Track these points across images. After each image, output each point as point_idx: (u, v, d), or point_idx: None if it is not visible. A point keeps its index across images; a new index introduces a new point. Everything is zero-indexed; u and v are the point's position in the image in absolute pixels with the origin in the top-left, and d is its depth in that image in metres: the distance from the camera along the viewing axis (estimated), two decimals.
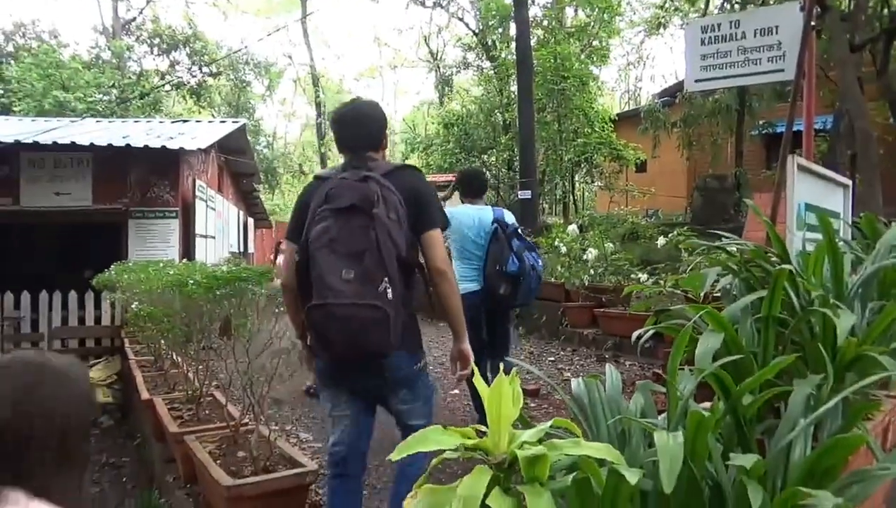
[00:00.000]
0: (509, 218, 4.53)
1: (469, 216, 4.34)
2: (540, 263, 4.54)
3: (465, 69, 22.28)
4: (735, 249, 2.47)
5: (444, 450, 1.18)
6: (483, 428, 1.21)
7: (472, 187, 4.66)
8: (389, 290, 2.03)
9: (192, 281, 3.14)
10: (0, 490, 1.04)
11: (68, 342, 8.69)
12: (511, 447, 1.14)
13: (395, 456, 1.16)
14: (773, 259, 2.30)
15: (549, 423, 1.20)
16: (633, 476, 1.08)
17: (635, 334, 2.18)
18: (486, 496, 1.06)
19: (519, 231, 4.52)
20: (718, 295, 2.61)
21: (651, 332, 2.30)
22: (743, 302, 2.06)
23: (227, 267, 3.30)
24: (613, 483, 1.18)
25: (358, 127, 2.42)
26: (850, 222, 4.60)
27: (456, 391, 6.00)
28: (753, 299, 2.10)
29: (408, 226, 2.17)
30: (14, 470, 1.07)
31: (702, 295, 2.37)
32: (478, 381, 1.26)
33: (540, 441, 1.17)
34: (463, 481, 1.06)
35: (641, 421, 1.46)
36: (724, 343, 1.87)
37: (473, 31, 20.38)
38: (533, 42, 14.68)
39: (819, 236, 3.02)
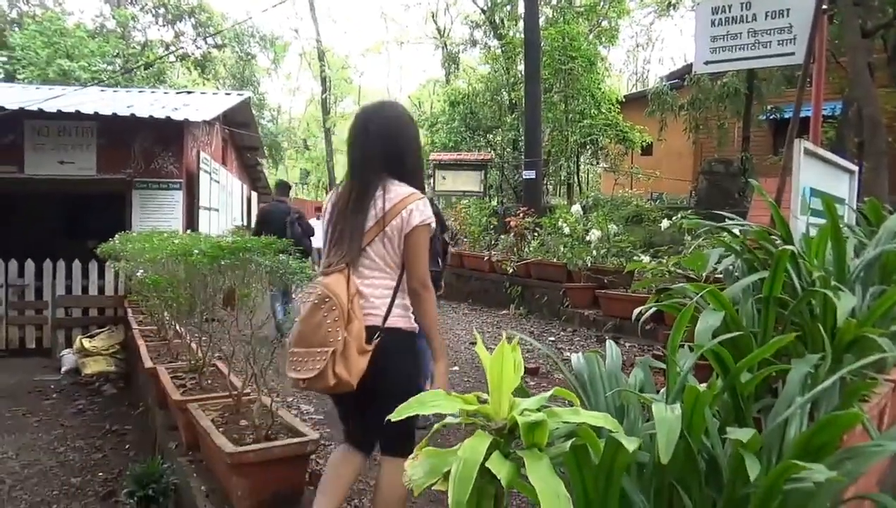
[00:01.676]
0: None
1: None
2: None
3: (472, 47, 22.08)
4: (738, 231, 2.47)
5: (446, 415, 1.20)
6: (484, 396, 1.23)
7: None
8: None
9: (196, 251, 3.16)
10: (387, 181, 2.17)
11: (72, 311, 8.76)
12: (511, 413, 1.17)
13: (394, 417, 1.18)
14: (777, 241, 2.30)
15: (550, 392, 1.22)
16: (630, 444, 1.10)
17: (636, 311, 2.20)
18: (485, 460, 1.08)
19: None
20: (720, 276, 2.62)
21: (652, 311, 2.32)
22: (744, 282, 2.08)
23: (232, 239, 3.32)
24: (611, 451, 1.20)
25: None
26: (854, 208, 4.60)
27: (456, 367, 6.05)
28: (755, 279, 2.12)
29: None
30: (396, 171, 2.20)
31: (704, 275, 2.38)
32: (480, 349, 1.27)
33: (540, 410, 1.19)
34: (464, 444, 1.08)
35: (640, 395, 1.48)
36: (724, 321, 1.89)
37: (481, 9, 20.15)
38: (541, 21, 14.53)
39: (823, 221, 3.03)
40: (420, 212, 2.14)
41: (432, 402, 1.16)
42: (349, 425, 2.38)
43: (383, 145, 2.21)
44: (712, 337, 1.75)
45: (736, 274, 2.47)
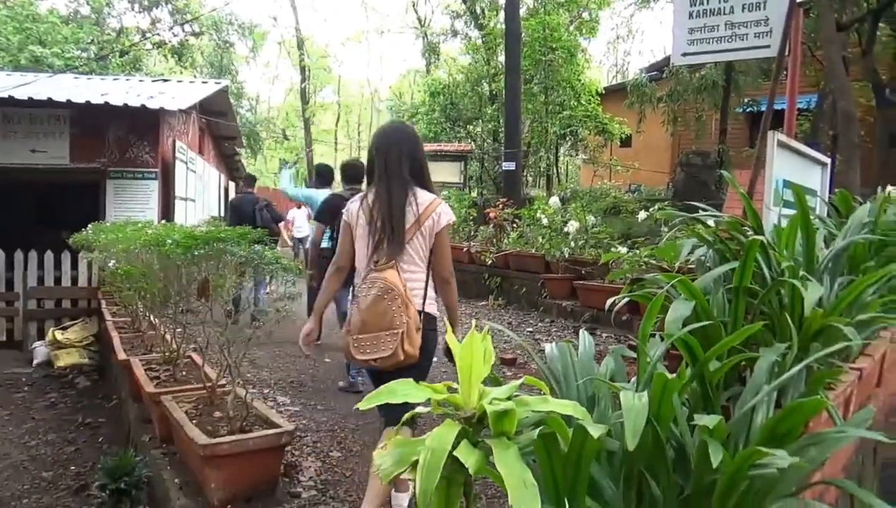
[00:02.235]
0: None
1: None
2: None
3: (452, 37, 21.99)
4: (712, 222, 2.49)
5: (415, 404, 1.20)
6: (454, 385, 1.23)
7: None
8: None
9: (170, 241, 3.11)
10: (413, 187, 2.60)
11: (44, 302, 8.61)
12: (481, 402, 1.17)
13: (362, 406, 1.18)
14: (749, 232, 2.33)
15: (520, 381, 1.23)
16: (596, 431, 1.11)
17: (609, 301, 2.21)
18: (453, 448, 1.08)
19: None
20: (693, 266, 2.65)
21: (625, 301, 2.33)
22: (716, 273, 2.10)
23: (206, 228, 3.28)
24: (579, 439, 1.21)
25: None
26: (826, 200, 4.67)
27: (435, 359, 6.05)
28: (726, 270, 2.14)
29: None
30: (418, 180, 2.63)
31: (676, 265, 2.40)
32: (450, 338, 1.27)
33: (510, 398, 1.19)
34: (432, 433, 1.08)
35: (609, 383, 1.49)
36: (694, 311, 1.90)
37: None
38: (522, 11, 14.50)
39: (795, 212, 3.07)
40: (447, 213, 2.64)
41: (403, 392, 1.16)
42: None
43: (410, 159, 2.66)
44: (683, 327, 1.77)
45: (708, 264, 2.50)
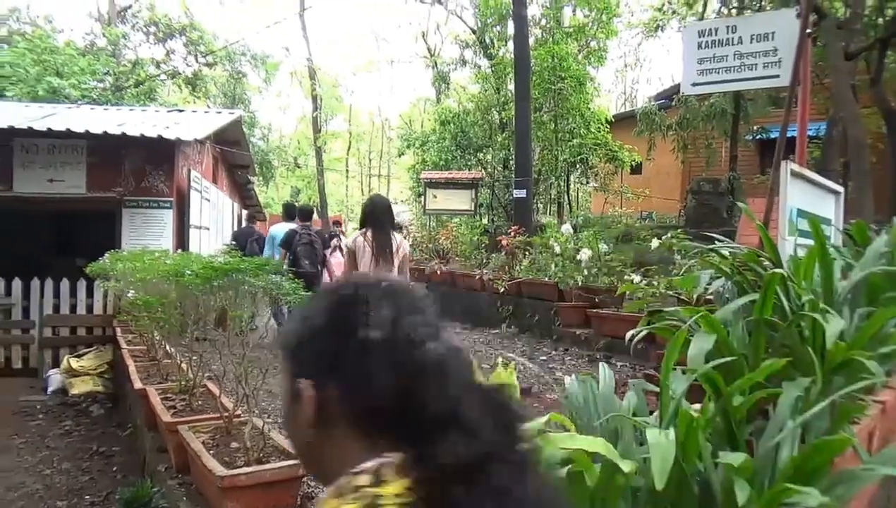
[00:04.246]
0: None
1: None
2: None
3: (462, 66, 22.24)
4: (728, 252, 2.50)
5: None
6: None
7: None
8: None
9: (189, 272, 3.15)
10: (391, 231, 4.93)
11: (59, 330, 8.67)
12: None
13: None
14: (766, 263, 2.33)
15: (546, 418, 1.23)
16: (626, 466, 1.11)
17: (629, 334, 2.22)
18: None
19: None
20: (710, 297, 2.65)
21: (644, 333, 2.34)
22: (735, 305, 2.10)
23: (224, 259, 3.32)
24: (606, 477, 1.21)
25: None
26: (841, 229, 4.66)
27: None
28: (745, 302, 2.14)
29: None
30: (393, 227, 5.05)
31: (695, 297, 2.40)
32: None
33: (536, 435, 1.20)
34: None
35: (634, 419, 1.49)
36: (715, 344, 1.90)
37: (472, 29, 20.36)
38: (531, 41, 14.69)
39: (810, 242, 3.07)
40: (407, 247, 4.91)
41: None
42: None
43: (388, 215, 4.89)
44: (705, 360, 1.77)
45: (726, 295, 2.50)
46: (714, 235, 2.97)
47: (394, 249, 4.57)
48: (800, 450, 1.59)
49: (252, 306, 3.28)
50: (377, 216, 4.66)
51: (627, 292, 8.03)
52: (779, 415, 1.69)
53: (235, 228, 13.82)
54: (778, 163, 3.58)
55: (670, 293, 3.27)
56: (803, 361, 2.06)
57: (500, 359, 1.28)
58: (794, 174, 3.86)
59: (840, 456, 1.65)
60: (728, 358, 1.75)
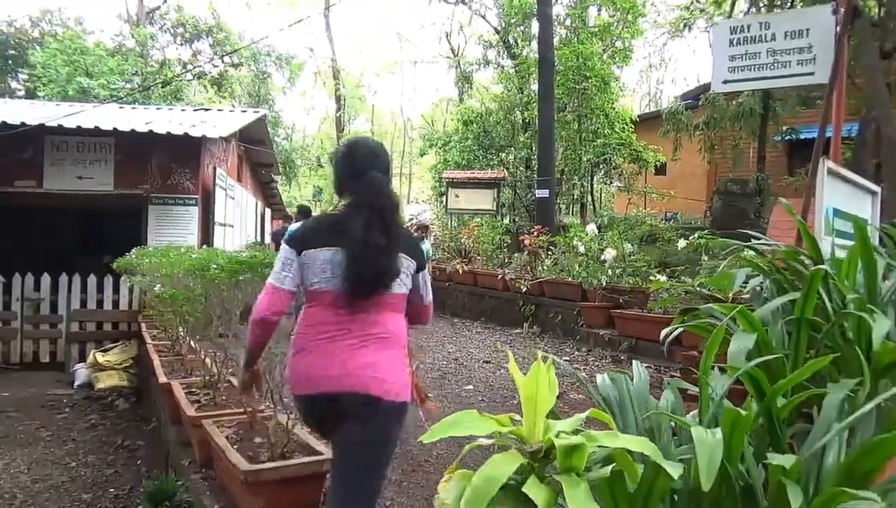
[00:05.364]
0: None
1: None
2: None
3: (485, 66, 22.17)
4: (765, 249, 2.42)
5: (478, 437, 1.17)
6: (517, 417, 1.20)
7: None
8: None
9: (214, 266, 3.14)
10: None
11: (86, 325, 8.78)
12: (547, 436, 1.13)
13: (426, 439, 1.14)
14: (807, 261, 2.26)
15: (586, 414, 1.18)
16: (674, 470, 1.06)
17: (663, 332, 2.15)
18: (521, 484, 1.04)
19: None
20: (746, 296, 2.57)
21: (677, 331, 2.27)
22: (775, 304, 2.03)
23: (249, 253, 3.30)
24: (650, 477, 1.16)
25: None
26: (878, 228, 4.53)
27: (470, 386, 5.99)
28: (785, 301, 2.07)
29: None
30: None
31: (730, 295, 2.33)
32: (513, 369, 1.24)
33: (576, 432, 1.15)
34: (490, 460, 1.04)
35: (676, 418, 1.43)
36: (755, 344, 1.84)
37: (495, 29, 20.28)
38: (556, 41, 14.58)
39: (848, 242, 2.97)
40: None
41: (467, 423, 1.13)
42: None
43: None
44: (746, 359, 1.71)
45: (764, 294, 2.42)
46: (750, 233, 2.89)
47: None
48: (847, 453, 1.52)
49: None
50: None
51: (652, 293, 7.93)
52: (824, 417, 1.63)
53: (258, 226, 13.96)
54: (816, 163, 3.47)
55: (705, 291, 3.19)
56: (847, 362, 1.98)
57: (539, 353, 1.23)
58: (831, 173, 3.75)
59: (890, 461, 1.58)
60: (771, 356, 1.68)
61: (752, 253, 2.52)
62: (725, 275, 2.27)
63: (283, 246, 2.20)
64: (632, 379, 1.88)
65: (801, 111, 13.34)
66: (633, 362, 1.95)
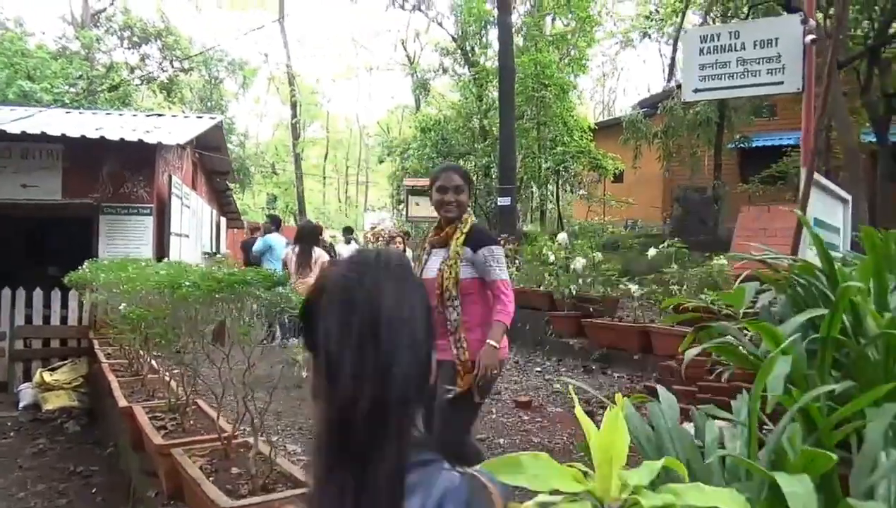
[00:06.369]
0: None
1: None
2: None
3: (442, 74, 22.14)
4: (783, 263, 2.36)
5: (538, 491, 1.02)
6: (582, 467, 1.06)
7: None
8: None
9: (187, 283, 2.92)
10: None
11: (31, 342, 8.27)
12: (624, 493, 0.99)
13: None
14: (822, 277, 2.19)
15: (661, 463, 1.05)
16: None
17: (688, 356, 2.05)
18: None
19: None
20: (753, 310, 2.50)
21: (696, 351, 2.17)
22: (797, 321, 1.94)
23: (227, 270, 3.09)
24: None
25: None
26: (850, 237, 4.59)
27: None
28: (807, 318, 1.99)
29: None
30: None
31: (741, 312, 2.26)
32: (580, 415, 1.10)
33: (653, 486, 1.02)
34: None
35: (750, 463, 1.31)
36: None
37: (453, 36, 20.27)
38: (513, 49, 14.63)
39: (834, 254, 2.94)
40: (325, 257, 6.82)
41: (533, 471, 0.98)
42: None
43: (312, 237, 7.24)
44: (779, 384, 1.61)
45: (773, 308, 2.36)
46: (763, 247, 2.82)
47: (313, 261, 6.58)
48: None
49: (260, 319, 3.06)
50: (303, 236, 6.92)
51: (620, 301, 7.93)
52: (868, 448, 1.53)
53: (213, 235, 13.53)
54: (811, 173, 3.45)
55: (713, 307, 3.13)
56: (870, 384, 1.91)
57: (570, 385, 1.10)
58: (815, 183, 3.76)
59: None
60: (823, 389, 1.59)
61: (759, 264, 2.46)
62: (740, 291, 2.19)
63: None
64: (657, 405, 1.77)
65: (753, 120, 13.71)
66: (658, 387, 1.83)
